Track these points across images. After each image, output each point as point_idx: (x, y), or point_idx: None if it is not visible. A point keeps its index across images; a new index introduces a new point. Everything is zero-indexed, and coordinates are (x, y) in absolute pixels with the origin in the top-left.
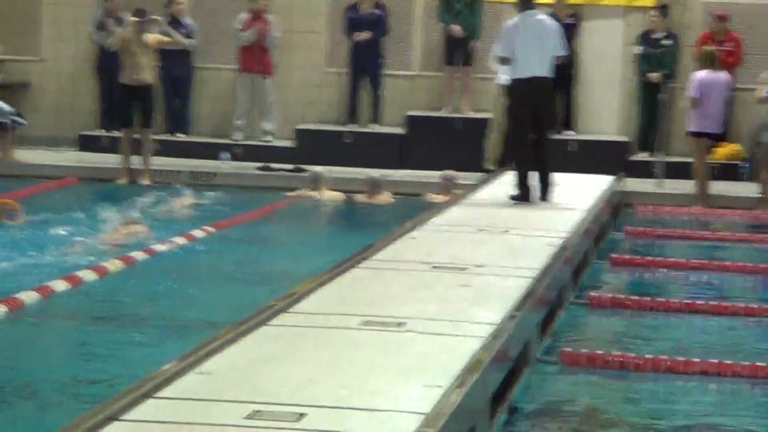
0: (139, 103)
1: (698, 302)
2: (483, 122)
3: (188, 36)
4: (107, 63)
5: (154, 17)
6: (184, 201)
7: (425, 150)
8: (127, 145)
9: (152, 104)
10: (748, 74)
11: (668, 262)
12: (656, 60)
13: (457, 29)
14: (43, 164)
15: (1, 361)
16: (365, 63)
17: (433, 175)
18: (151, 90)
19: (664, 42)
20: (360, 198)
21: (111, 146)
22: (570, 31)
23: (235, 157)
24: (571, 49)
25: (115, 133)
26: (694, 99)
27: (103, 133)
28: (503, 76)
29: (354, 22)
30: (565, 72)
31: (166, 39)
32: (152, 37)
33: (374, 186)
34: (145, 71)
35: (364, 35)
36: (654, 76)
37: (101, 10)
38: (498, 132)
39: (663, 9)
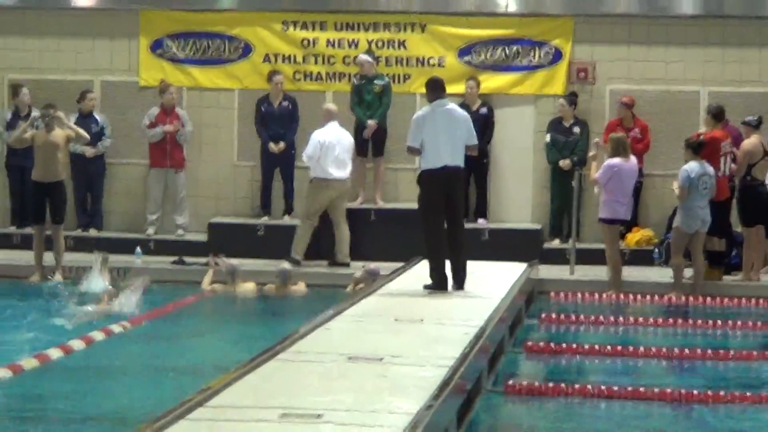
0: (50, 200)
1: (614, 388)
2: (396, 212)
3: (100, 133)
4: (17, 160)
5: (57, 114)
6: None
7: None
8: (39, 242)
9: (64, 200)
10: (656, 160)
11: (583, 348)
12: (566, 147)
13: (372, 125)
14: None
15: None
16: (277, 155)
17: (353, 266)
18: (63, 186)
19: (574, 130)
20: (270, 289)
21: (23, 243)
22: (483, 120)
23: (148, 252)
24: (485, 139)
25: (27, 230)
26: (595, 180)
27: (14, 230)
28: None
29: (266, 115)
30: (479, 161)
31: (72, 134)
32: (59, 134)
33: (285, 278)
34: (56, 167)
35: (280, 147)
36: (565, 163)
37: (10, 109)
38: (304, 222)
39: (571, 97)
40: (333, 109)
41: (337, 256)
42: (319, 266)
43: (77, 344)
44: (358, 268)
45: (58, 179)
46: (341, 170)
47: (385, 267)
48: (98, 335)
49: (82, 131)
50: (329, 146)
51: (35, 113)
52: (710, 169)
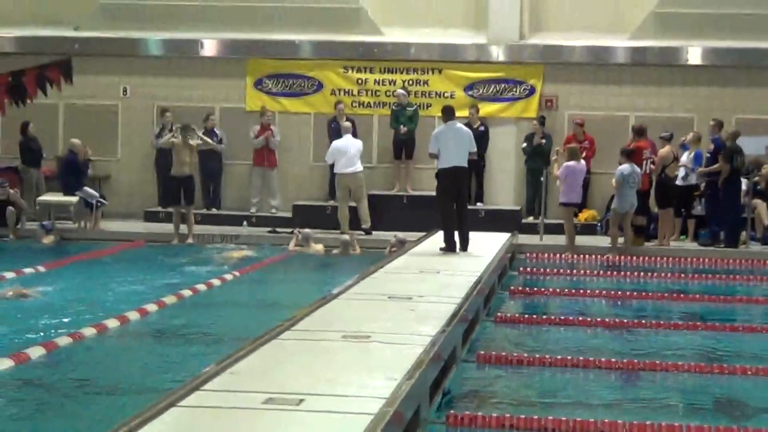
0: (184, 188)
1: (570, 318)
2: (421, 198)
3: (219, 142)
4: (162, 161)
5: (194, 128)
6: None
7: (384, 218)
8: (177, 217)
9: (193, 189)
10: (599, 163)
11: (548, 290)
12: (536, 152)
13: (403, 129)
14: (120, 231)
15: (91, 366)
16: None
17: (389, 236)
18: (192, 179)
19: (541, 141)
20: (335, 252)
21: (166, 218)
22: (480, 135)
23: (251, 224)
24: (482, 148)
25: (169, 209)
26: (557, 176)
27: (160, 209)
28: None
29: (335, 130)
30: (478, 163)
31: (202, 143)
32: (194, 142)
33: (345, 246)
34: (188, 166)
35: None
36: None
37: (159, 124)
38: (338, 206)
39: (541, 119)
40: (347, 125)
41: (362, 224)
42: (368, 236)
43: (201, 287)
44: (391, 237)
45: (189, 174)
46: (351, 167)
47: (412, 236)
48: (216, 281)
49: (208, 140)
50: (342, 151)
51: (177, 128)
52: (637, 169)
